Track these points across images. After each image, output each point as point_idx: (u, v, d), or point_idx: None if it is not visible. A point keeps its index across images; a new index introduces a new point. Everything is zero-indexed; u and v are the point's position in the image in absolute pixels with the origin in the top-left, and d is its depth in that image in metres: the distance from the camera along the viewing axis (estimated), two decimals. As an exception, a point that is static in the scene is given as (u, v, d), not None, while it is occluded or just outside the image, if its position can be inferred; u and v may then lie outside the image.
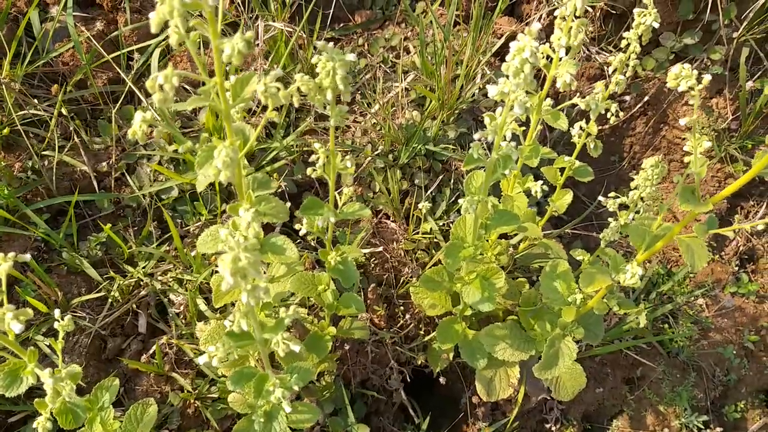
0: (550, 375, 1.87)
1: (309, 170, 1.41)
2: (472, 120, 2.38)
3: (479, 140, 1.26)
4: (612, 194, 1.78)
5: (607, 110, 1.71)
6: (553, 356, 1.83)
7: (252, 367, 1.36)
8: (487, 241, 2.06)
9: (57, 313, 1.31)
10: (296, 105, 1.11)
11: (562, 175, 1.96)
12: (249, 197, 1.19)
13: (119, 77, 2.23)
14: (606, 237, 1.77)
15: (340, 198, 1.50)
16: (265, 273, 1.60)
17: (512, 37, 2.63)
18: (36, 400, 1.33)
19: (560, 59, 1.41)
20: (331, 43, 1.11)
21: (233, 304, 1.88)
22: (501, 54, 2.59)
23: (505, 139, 1.25)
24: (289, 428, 1.80)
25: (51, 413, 1.35)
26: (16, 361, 1.18)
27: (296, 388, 1.36)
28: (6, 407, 1.85)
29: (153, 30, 0.83)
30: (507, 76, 1.15)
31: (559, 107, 1.56)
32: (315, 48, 2.28)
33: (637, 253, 1.63)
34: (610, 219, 1.83)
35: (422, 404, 2.38)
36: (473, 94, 2.33)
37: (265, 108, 2.36)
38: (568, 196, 2.08)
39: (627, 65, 1.68)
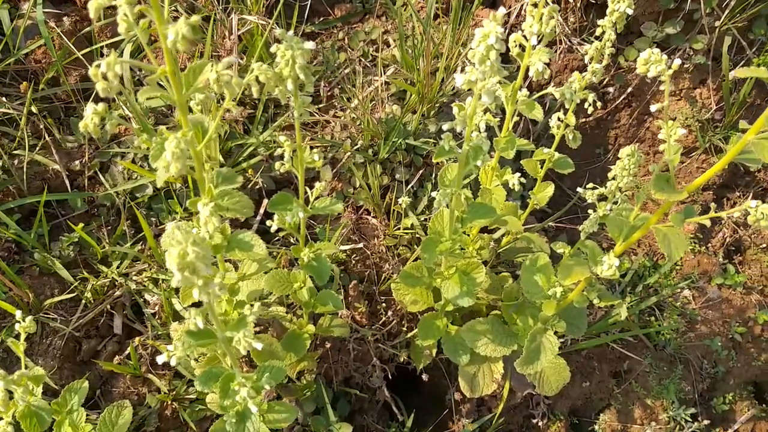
0: (533, 370, 1.84)
1: (277, 164, 1.38)
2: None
3: (449, 131, 1.23)
4: (590, 185, 1.76)
5: (584, 101, 1.69)
6: (534, 351, 1.81)
7: (221, 367, 1.33)
8: (468, 235, 2.03)
9: (18, 314, 1.27)
10: (255, 95, 1.08)
11: (542, 167, 1.94)
12: (209, 191, 1.16)
13: (92, 74, 2.19)
14: (585, 229, 1.74)
15: (311, 193, 1.46)
16: (236, 271, 1.57)
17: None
18: (-4, 404, 1.30)
19: (533, 47, 1.38)
20: (295, 34, 1.07)
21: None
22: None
23: (478, 130, 1.22)
24: (267, 428, 1.77)
25: (14, 417, 1.31)
26: (-28, 364, 1.14)
27: (267, 386, 1.33)
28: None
29: (92, 15, 0.80)
30: (473, 64, 1.12)
31: (533, 97, 1.53)
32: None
33: (616, 245, 1.60)
34: (590, 211, 1.81)
35: (406, 402, 2.35)
36: (453, 88, 2.30)
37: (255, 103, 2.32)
38: (549, 189, 2.06)
39: (603, 54, 1.65)
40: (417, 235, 2.23)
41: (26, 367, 1.26)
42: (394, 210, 2.21)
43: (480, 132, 1.23)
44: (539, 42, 1.35)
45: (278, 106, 2.36)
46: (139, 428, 1.91)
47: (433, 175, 2.29)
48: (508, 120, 1.58)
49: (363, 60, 2.47)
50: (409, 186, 2.25)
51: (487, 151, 1.25)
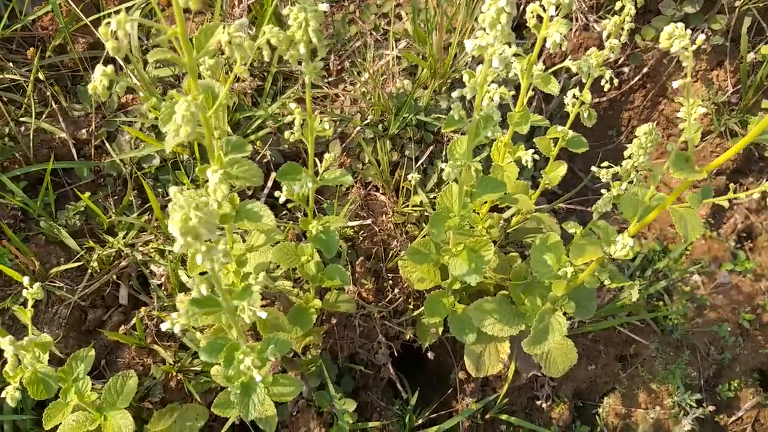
0: (540, 350, 1.83)
1: (287, 133, 1.35)
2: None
3: (458, 100, 1.20)
4: (605, 164, 1.72)
5: (601, 77, 1.64)
6: (542, 331, 1.79)
7: (226, 338, 1.31)
8: (477, 213, 2.01)
9: (26, 280, 1.26)
10: (267, 59, 1.05)
11: (555, 146, 1.90)
12: (219, 159, 1.14)
13: (100, 42, 2.16)
14: (598, 208, 1.71)
15: (322, 164, 1.44)
16: (244, 242, 1.55)
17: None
18: (5, 369, 1.29)
19: (551, 18, 1.34)
20: None
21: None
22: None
23: (491, 101, 1.19)
24: (272, 401, 1.77)
25: (21, 383, 1.31)
26: (-23, 328, 1.13)
27: (272, 358, 1.32)
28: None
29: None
30: (483, 29, 1.09)
31: (550, 71, 1.50)
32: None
33: (629, 226, 1.57)
34: (603, 190, 1.78)
35: (411, 379, 2.35)
36: (466, 63, 2.26)
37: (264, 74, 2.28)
38: (561, 169, 2.02)
39: (622, 29, 1.61)
40: (425, 213, 2.21)
41: (33, 335, 1.25)
42: (403, 187, 2.18)
43: (492, 101, 1.19)
44: (557, 12, 1.31)
45: (287, 79, 2.32)
46: (143, 399, 1.92)
47: (444, 153, 2.26)
48: (522, 94, 1.54)
49: (374, 33, 2.43)
50: (419, 163, 2.22)
51: (498, 121, 1.22)
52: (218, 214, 1.23)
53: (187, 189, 1.99)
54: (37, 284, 1.25)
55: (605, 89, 1.70)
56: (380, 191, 2.22)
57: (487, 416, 2.37)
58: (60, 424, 1.58)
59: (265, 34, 1.01)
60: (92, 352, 1.52)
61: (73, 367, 1.49)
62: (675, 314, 2.66)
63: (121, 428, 1.60)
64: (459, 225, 1.58)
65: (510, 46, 1.13)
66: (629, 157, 1.59)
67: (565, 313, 1.82)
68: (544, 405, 2.48)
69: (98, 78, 1.01)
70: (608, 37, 1.61)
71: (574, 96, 1.77)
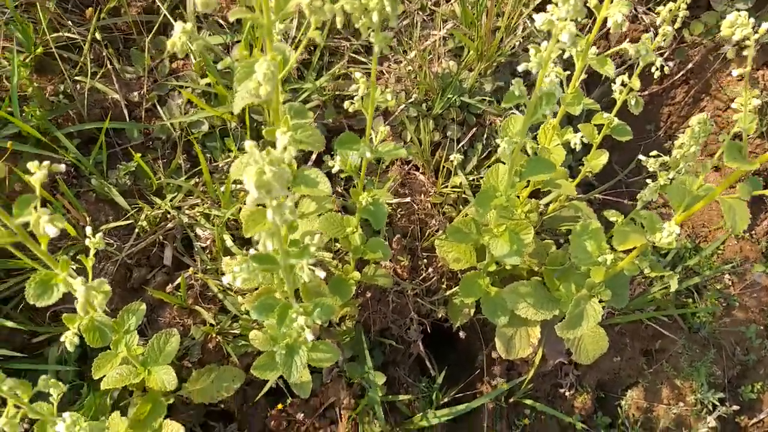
0: (573, 335, 1.85)
1: (347, 103, 1.38)
2: (510, 74, 2.31)
3: (520, 75, 1.21)
4: (653, 153, 1.73)
5: (651, 65, 1.64)
6: (577, 316, 1.81)
7: (276, 298, 1.35)
8: (518, 197, 2.02)
9: (89, 230, 1.31)
10: (339, 25, 1.07)
11: (599, 133, 1.90)
12: (286, 121, 1.16)
13: (154, 6, 2.20)
14: (643, 197, 1.72)
15: (376, 137, 1.46)
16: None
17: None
18: (65, 315, 1.34)
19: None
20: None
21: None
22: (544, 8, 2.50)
23: (554, 78, 1.20)
24: (309, 366, 1.81)
25: (78, 330, 1.36)
26: (47, 272, 1.18)
27: (318, 322, 1.35)
28: (30, 328, 1.88)
29: None
30: (556, 4, 1.10)
31: (607, 53, 1.50)
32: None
33: (674, 215, 1.58)
34: (648, 180, 1.78)
35: (438, 358, 2.38)
36: (513, 47, 2.26)
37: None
38: (603, 157, 2.03)
39: (677, 16, 1.60)
40: (464, 195, 2.23)
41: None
42: (443, 167, 2.20)
43: (555, 78, 1.20)
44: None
45: (333, 54, 2.34)
46: (182, 358, 1.97)
47: (485, 136, 2.27)
48: (576, 76, 1.55)
49: (420, 13, 2.43)
50: (461, 144, 2.23)
51: (557, 100, 1.23)
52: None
53: (235, 157, 2.03)
54: (99, 234, 1.30)
55: (655, 77, 1.70)
56: (420, 170, 2.24)
57: (511, 400, 2.40)
58: (104, 376, 1.65)
59: (339, 1, 1.03)
60: (143, 306, 1.58)
61: (124, 320, 1.55)
62: (703, 312, 2.66)
63: (165, 383, 1.66)
64: (504, 204, 1.59)
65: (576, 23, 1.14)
66: (680, 147, 1.59)
67: (600, 301, 1.83)
68: (567, 393, 2.50)
69: (178, 34, 1.04)
70: (661, 23, 1.61)
71: (623, 83, 1.77)
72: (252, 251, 1.16)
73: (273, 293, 1.87)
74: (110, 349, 1.58)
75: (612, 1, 1.32)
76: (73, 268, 1.85)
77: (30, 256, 1.78)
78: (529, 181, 1.86)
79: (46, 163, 1.09)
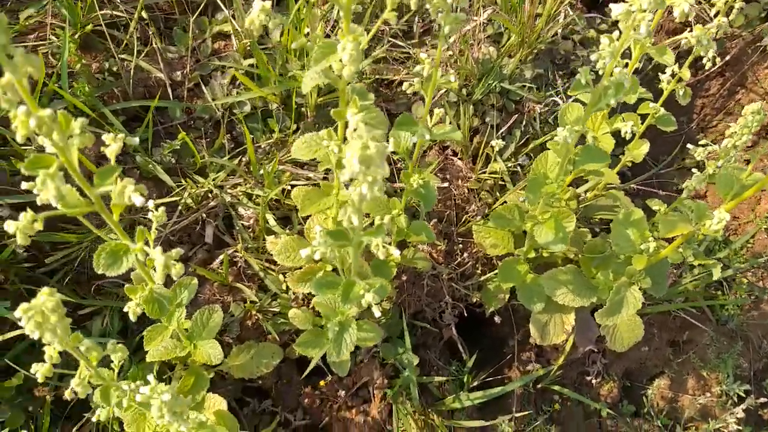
0: (612, 322, 1.86)
1: (405, 85, 1.39)
2: (550, 62, 2.31)
3: (558, 62, 1.22)
4: (702, 141, 1.73)
5: (701, 57, 1.64)
6: (618, 303, 1.82)
7: (335, 275, 1.37)
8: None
9: (151, 203, 1.33)
10: (413, 8, 1.08)
11: (643, 122, 1.91)
12: (355, 102, 1.18)
13: (197, -14, 2.21)
14: (689, 186, 1.73)
15: (430, 119, 1.47)
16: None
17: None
18: (127, 286, 1.37)
19: (680, -11, 1.34)
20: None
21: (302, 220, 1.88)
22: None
23: (623, 68, 1.21)
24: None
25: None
26: (117, 242, 1.20)
27: (378, 300, 1.38)
28: (76, 300, 1.91)
29: None
30: (631, -5, 1.11)
31: (665, 41, 1.50)
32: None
33: (724, 203, 1.58)
34: (694, 170, 1.79)
35: (467, 342, 2.40)
36: (555, 34, 2.25)
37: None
38: (645, 147, 2.03)
39: (732, 7, 1.60)
40: (501, 182, 2.23)
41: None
42: (482, 153, 2.20)
43: (624, 68, 1.21)
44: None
45: (372, 39, 2.35)
46: (221, 333, 2.00)
47: (524, 123, 2.27)
48: (632, 64, 1.55)
49: (460, -1, 2.43)
50: (500, 131, 2.24)
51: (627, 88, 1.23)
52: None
53: (277, 139, 2.04)
54: (161, 208, 1.32)
55: (707, 67, 1.70)
56: (458, 156, 2.25)
57: (539, 386, 2.42)
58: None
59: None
60: (195, 281, 1.60)
61: (177, 293, 1.57)
62: (732, 304, 2.67)
63: (210, 357, 1.69)
64: (554, 192, 1.60)
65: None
66: (731, 136, 1.59)
67: (640, 288, 1.85)
68: (593, 381, 2.52)
69: (257, 12, 1.05)
70: (716, 14, 1.61)
71: (672, 73, 1.78)
72: (318, 228, 1.18)
73: (315, 273, 1.89)
74: (160, 322, 1.61)
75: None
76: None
77: (80, 229, 1.81)
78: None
79: (121, 135, 1.11)
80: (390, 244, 1.91)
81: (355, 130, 1.09)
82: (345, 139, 1.32)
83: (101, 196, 1.07)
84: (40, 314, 0.94)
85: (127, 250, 1.18)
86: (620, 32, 1.29)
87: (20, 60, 0.79)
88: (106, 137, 1.11)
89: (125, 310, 1.31)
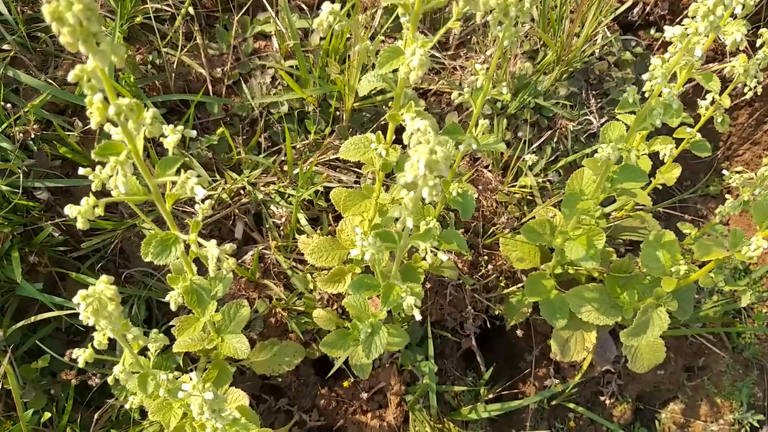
0: (636, 342, 1.86)
1: (454, 94, 1.41)
2: (584, 81, 2.33)
3: (593, 81, 1.23)
4: (738, 168, 1.75)
5: (744, 85, 1.66)
6: (644, 324, 1.83)
7: (373, 278, 1.39)
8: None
9: (199, 190, 1.34)
10: (478, 21, 1.10)
11: (677, 147, 1.92)
12: (410, 107, 1.19)
13: (241, -14, 2.24)
14: (723, 212, 1.74)
15: (476, 129, 1.49)
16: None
17: (635, 3, 2.54)
18: (168, 276, 1.39)
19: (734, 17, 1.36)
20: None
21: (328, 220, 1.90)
22: (619, 18, 2.51)
23: (671, 89, 1.22)
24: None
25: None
26: (166, 232, 1.22)
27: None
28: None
29: None
30: (693, 17, 1.12)
31: (715, 68, 1.52)
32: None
33: (759, 231, 1.59)
34: (727, 196, 1.80)
35: (486, 355, 2.41)
36: (591, 54, 2.27)
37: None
38: (677, 171, 2.05)
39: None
40: (530, 197, 2.25)
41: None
42: (513, 166, 2.22)
43: (672, 90, 1.23)
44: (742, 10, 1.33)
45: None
46: (245, 329, 2.01)
47: (555, 140, 2.29)
48: (678, 86, 1.56)
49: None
50: (532, 146, 2.25)
51: (676, 110, 1.25)
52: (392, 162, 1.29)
53: (313, 140, 2.06)
54: (208, 201, 1.34)
55: (747, 96, 1.72)
56: (488, 168, 2.27)
57: (554, 402, 2.42)
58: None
59: (486, -5, 1.06)
60: (230, 275, 1.61)
61: (212, 286, 1.59)
62: (750, 331, 2.67)
63: (237, 350, 1.70)
64: (590, 208, 1.62)
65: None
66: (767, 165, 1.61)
67: (667, 311, 1.85)
68: (607, 401, 2.52)
69: (325, 14, 1.07)
70: (762, 45, 1.62)
71: (712, 100, 1.80)
72: (358, 230, 1.20)
73: (344, 274, 1.91)
74: (190, 313, 1.62)
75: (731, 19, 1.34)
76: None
77: (114, 217, 1.82)
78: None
79: (180, 127, 1.13)
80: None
81: (416, 132, 1.11)
82: (395, 142, 1.34)
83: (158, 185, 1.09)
84: (97, 301, 0.96)
85: (176, 240, 1.20)
86: (670, 54, 1.31)
87: (107, 48, 0.81)
88: (166, 129, 1.13)
89: (167, 299, 1.32)
